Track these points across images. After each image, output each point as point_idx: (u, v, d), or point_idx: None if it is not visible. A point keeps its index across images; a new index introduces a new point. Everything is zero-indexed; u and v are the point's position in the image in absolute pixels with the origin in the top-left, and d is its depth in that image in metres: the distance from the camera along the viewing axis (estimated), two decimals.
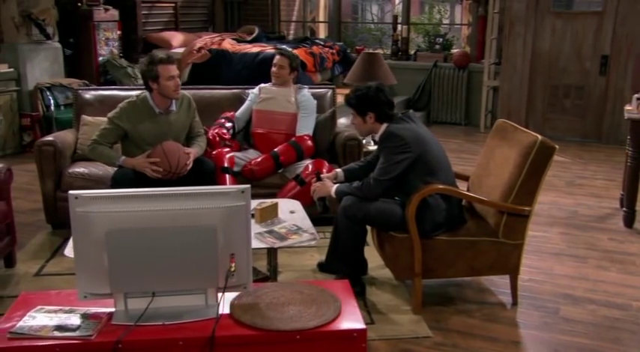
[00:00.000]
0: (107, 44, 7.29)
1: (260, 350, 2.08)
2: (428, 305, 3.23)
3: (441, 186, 3.11)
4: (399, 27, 8.65)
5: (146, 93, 3.98)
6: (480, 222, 3.29)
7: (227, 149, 4.30)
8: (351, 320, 2.16)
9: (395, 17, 8.75)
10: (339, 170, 3.53)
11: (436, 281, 3.47)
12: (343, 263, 3.29)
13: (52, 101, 6.34)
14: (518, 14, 7.32)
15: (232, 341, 2.06)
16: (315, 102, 4.54)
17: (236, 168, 4.23)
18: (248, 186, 2.17)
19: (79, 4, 7.05)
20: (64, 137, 4.35)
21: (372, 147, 4.60)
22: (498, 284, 3.51)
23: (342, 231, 3.20)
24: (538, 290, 3.47)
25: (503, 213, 3.16)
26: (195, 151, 3.99)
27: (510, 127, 3.45)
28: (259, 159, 4.26)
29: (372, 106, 3.25)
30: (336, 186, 3.32)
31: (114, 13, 7.32)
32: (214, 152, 4.24)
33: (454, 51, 8.42)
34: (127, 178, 3.79)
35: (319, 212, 3.46)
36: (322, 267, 3.63)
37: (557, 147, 3.10)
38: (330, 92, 4.89)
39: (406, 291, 3.40)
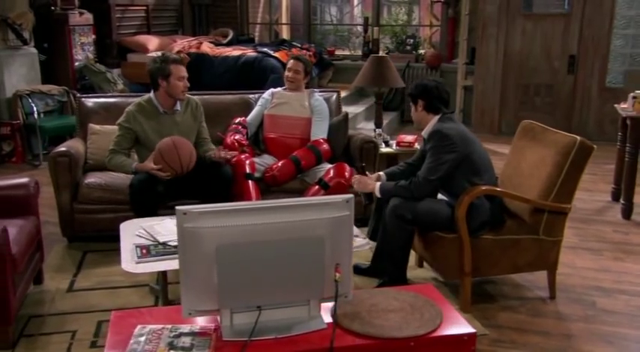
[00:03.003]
0: (83, 49, 7.03)
1: None
2: (472, 303, 3.27)
3: (491, 188, 3.16)
4: (369, 29, 8.72)
5: (150, 94, 3.95)
6: (518, 220, 3.36)
7: (245, 155, 4.23)
8: (458, 324, 2.17)
9: (366, 19, 8.80)
10: (381, 173, 3.53)
11: (472, 280, 3.52)
12: (391, 264, 3.29)
13: (34, 108, 6.06)
14: (491, 16, 7.50)
15: (348, 351, 2.03)
16: (327, 106, 4.53)
17: (257, 174, 4.17)
18: (352, 195, 2.14)
19: (53, 7, 6.77)
20: (76, 147, 4.18)
21: (385, 149, 4.62)
22: (530, 279, 3.59)
23: (392, 231, 3.20)
24: (569, 284, 3.57)
25: (544, 211, 3.24)
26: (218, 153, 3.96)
27: (538, 128, 3.53)
28: (280, 164, 4.21)
29: (424, 95, 3.31)
30: (379, 184, 3.33)
31: (88, 17, 7.07)
32: (234, 159, 4.16)
33: (426, 51, 8.54)
34: (144, 184, 3.71)
35: (364, 204, 3.46)
36: (357, 270, 3.62)
37: (595, 147, 3.21)
38: (335, 95, 4.88)
39: (447, 290, 3.43)
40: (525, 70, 7.56)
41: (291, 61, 4.48)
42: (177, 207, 2.01)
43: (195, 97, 4.09)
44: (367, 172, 3.52)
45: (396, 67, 8.24)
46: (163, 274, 3.07)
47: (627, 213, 4.69)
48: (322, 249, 2.10)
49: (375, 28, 8.70)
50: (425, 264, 3.71)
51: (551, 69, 7.48)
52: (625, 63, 7.29)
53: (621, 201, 4.76)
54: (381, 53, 8.71)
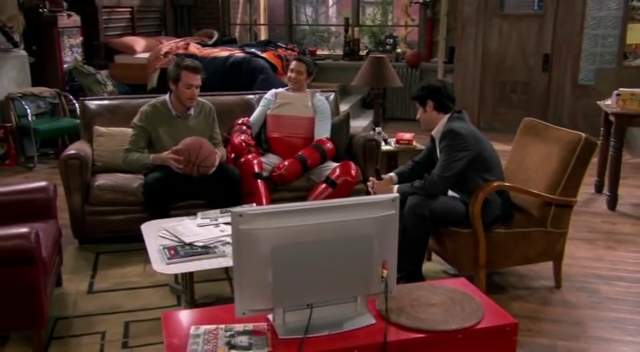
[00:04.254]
0: (71, 51, 6.89)
1: (425, 350, 2.09)
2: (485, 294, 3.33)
3: (504, 184, 3.22)
4: (350, 29, 8.74)
5: (165, 96, 3.94)
6: (525, 213, 3.43)
7: (252, 155, 4.21)
8: (499, 315, 2.21)
9: (346, 19, 8.82)
10: (392, 174, 3.55)
11: None
12: (408, 260, 3.31)
13: (28, 111, 5.91)
14: (469, 17, 7.60)
15: (401, 345, 2.05)
16: (329, 106, 4.54)
17: (265, 173, 4.16)
18: (397, 195, 2.16)
19: (41, 10, 6.61)
20: (84, 149, 4.10)
21: (385, 147, 4.65)
22: (534, 270, 3.67)
23: (410, 228, 3.22)
24: (570, 273, 3.66)
25: (551, 204, 3.32)
26: (220, 153, 3.92)
27: (541, 125, 3.61)
28: (287, 164, 4.20)
29: (433, 95, 3.33)
30: (396, 186, 3.36)
31: (76, 19, 6.94)
32: (242, 159, 4.15)
33: (406, 51, 8.60)
34: (159, 183, 3.69)
35: None
36: None
37: (598, 143, 3.29)
38: (332, 95, 4.89)
39: None
40: (502, 69, 7.69)
41: (294, 62, 4.47)
42: (232, 209, 2.00)
43: (206, 100, 4.05)
44: (382, 175, 3.53)
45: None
46: (190, 275, 3.04)
47: (612, 204, 4.82)
48: (371, 247, 2.11)
49: (356, 29, 8.72)
50: (433, 257, 3.76)
51: (526, 67, 7.62)
52: (595, 61, 7.46)
53: (606, 192, 4.89)
54: (362, 52, 8.78)
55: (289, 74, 4.46)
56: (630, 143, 6.70)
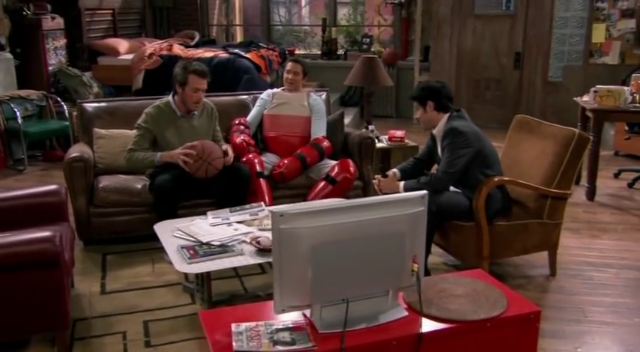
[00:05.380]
0: (55, 53, 6.74)
1: (457, 340, 2.14)
2: None
3: (505, 179, 3.29)
4: (327, 29, 8.76)
5: (169, 97, 3.90)
6: (523, 206, 3.51)
7: (252, 154, 4.21)
8: (522, 303, 2.27)
9: (324, 20, 8.84)
10: (395, 170, 3.59)
11: None
12: None
13: (17, 114, 5.76)
14: (445, 17, 7.70)
15: (435, 335, 2.09)
16: (324, 105, 4.56)
17: (266, 172, 4.16)
18: (426, 192, 2.20)
19: (25, 12, 6.45)
20: (87, 152, 4.03)
21: (378, 145, 4.69)
22: (528, 259, 3.76)
23: None
24: (562, 262, 3.75)
25: (547, 197, 3.41)
26: (226, 147, 3.94)
27: (533, 122, 3.70)
28: (287, 162, 4.21)
29: (433, 95, 3.38)
30: (402, 183, 3.40)
31: (60, 22, 6.79)
32: (244, 159, 4.14)
33: (384, 50, 8.66)
34: (170, 184, 3.67)
35: None
36: None
37: (591, 138, 3.39)
38: (324, 94, 4.91)
39: None
40: (476, 66, 7.82)
41: (290, 63, 4.47)
42: (272, 210, 2.01)
43: (209, 101, 4.04)
44: (386, 172, 3.57)
45: (353, 65, 8.47)
46: (207, 274, 3.03)
47: (591, 195, 4.97)
48: (403, 242, 2.15)
49: (333, 29, 8.74)
50: (432, 249, 3.81)
51: (499, 65, 7.76)
52: (563, 59, 7.64)
53: (585, 184, 5.03)
54: (340, 52, 8.81)
55: (286, 75, 4.46)
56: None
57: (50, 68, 6.61)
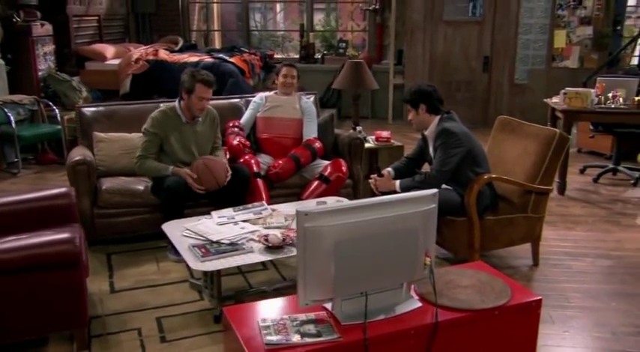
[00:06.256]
0: (45, 59, 6.60)
1: (468, 328, 2.19)
2: None
3: (494, 176, 3.37)
4: (305, 34, 8.78)
5: (174, 103, 3.86)
6: (508, 202, 3.60)
7: (249, 155, 4.20)
8: (524, 292, 2.35)
9: (301, 25, 8.85)
10: (389, 169, 3.64)
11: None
12: None
13: (11, 118, 5.63)
14: (417, 23, 7.80)
15: (448, 324, 2.15)
16: (314, 108, 4.58)
17: (262, 173, 4.16)
18: (437, 190, 2.25)
19: (15, 20, 6.30)
20: (88, 155, 3.97)
21: (367, 145, 4.73)
22: (510, 250, 3.86)
23: None
24: (542, 252, 3.84)
25: (531, 192, 3.50)
26: (223, 160, 3.92)
27: (515, 122, 3.80)
28: (282, 163, 4.22)
29: (425, 98, 3.44)
30: (398, 181, 3.45)
31: (49, 28, 6.66)
32: (241, 160, 4.14)
33: (354, 54, 8.72)
34: (181, 187, 3.65)
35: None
36: None
37: (570, 137, 3.49)
38: (313, 97, 4.93)
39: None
40: (448, 69, 7.94)
41: (286, 68, 4.47)
42: (297, 209, 2.03)
43: (212, 108, 4.01)
44: (381, 172, 3.61)
45: (332, 68, 8.52)
46: (217, 271, 3.02)
47: (562, 189, 5.11)
48: (416, 237, 2.19)
49: (311, 33, 8.77)
50: None
51: (469, 68, 7.90)
52: (528, 63, 7.82)
53: (556, 180, 5.16)
54: (317, 55, 8.84)
55: (282, 79, 4.46)
56: None
57: (40, 73, 6.48)
